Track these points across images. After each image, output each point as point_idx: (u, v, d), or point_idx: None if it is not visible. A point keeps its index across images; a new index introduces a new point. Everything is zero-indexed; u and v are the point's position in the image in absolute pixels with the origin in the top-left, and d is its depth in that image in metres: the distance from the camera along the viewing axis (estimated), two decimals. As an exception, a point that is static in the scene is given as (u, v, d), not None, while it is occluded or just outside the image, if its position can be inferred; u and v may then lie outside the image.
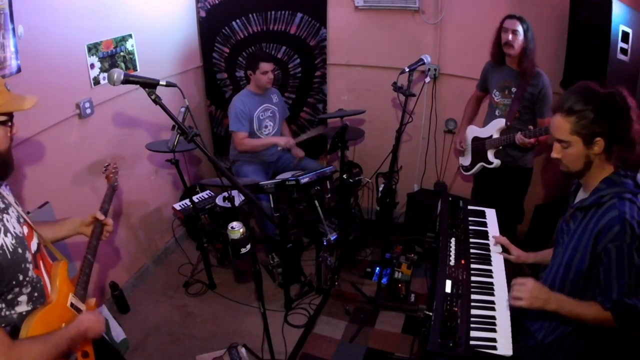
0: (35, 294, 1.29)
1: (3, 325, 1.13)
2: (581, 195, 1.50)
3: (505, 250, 1.94)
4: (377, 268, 3.28)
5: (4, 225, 1.22)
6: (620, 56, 2.46)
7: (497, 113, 2.76)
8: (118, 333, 2.64)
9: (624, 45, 2.45)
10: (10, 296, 1.22)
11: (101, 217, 1.68)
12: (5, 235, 1.20)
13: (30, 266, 1.28)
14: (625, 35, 2.44)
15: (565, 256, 1.44)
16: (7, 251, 1.18)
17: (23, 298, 1.25)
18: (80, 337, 1.33)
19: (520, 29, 2.51)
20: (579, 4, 2.64)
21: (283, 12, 3.59)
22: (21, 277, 1.23)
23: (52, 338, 1.23)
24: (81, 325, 1.34)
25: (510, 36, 2.53)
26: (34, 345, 1.17)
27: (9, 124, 1.24)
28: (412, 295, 3.04)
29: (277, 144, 3.34)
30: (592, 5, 2.52)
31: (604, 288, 1.33)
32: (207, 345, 2.71)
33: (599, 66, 2.46)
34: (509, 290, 1.72)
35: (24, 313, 1.26)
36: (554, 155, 1.43)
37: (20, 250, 1.24)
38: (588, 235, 1.36)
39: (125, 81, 1.52)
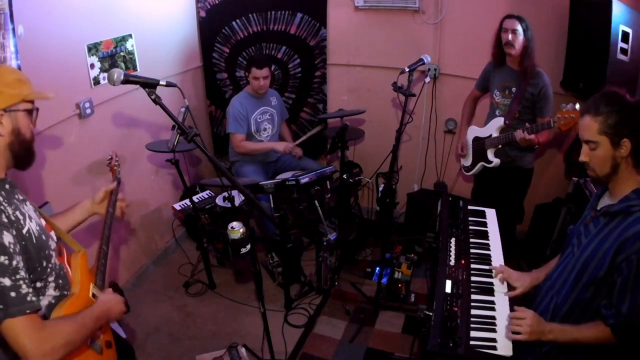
0: (60, 281, 1.32)
1: (37, 310, 1.14)
2: (606, 200, 1.47)
3: (510, 260, 1.83)
4: (377, 268, 3.28)
5: (27, 212, 1.24)
6: (620, 56, 2.46)
7: (497, 113, 2.76)
8: (118, 333, 2.63)
9: (624, 45, 2.45)
10: (39, 284, 1.25)
11: (112, 186, 1.76)
12: (30, 221, 1.22)
13: (54, 253, 1.31)
14: (625, 35, 2.44)
15: (581, 258, 1.43)
16: (33, 235, 1.21)
17: (51, 285, 1.29)
18: (104, 316, 1.37)
19: (519, 28, 2.51)
20: (579, 3, 2.64)
21: (283, 12, 3.59)
22: (45, 263, 1.25)
23: (78, 318, 1.25)
24: (104, 305, 1.38)
25: (510, 36, 2.53)
26: (63, 324, 1.20)
27: (33, 114, 1.28)
28: (412, 295, 3.04)
29: (276, 149, 3.34)
30: (592, 5, 2.52)
31: (616, 300, 1.32)
32: (207, 345, 2.71)
33: (599, 66, 2.46)
34: (509, 291, 1.73)
35: (53, 301, 1.29)
36: (582, 158, 1.43)
37: (43, 237, 1.27)
38: (611, 242, 1.34)
39: (125, 81, 1.51)
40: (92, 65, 2.66)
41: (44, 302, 1.27)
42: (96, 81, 2.69)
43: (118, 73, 1.49)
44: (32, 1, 2.20)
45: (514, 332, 1.44)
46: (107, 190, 1.75)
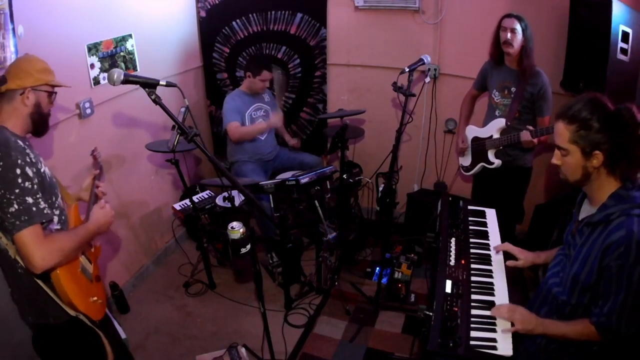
0: (63, 217, 1.66)
1: (42, 221, 1.44)
2: (587, 208, 1.47)
3: (509, 257, 1.85)
4: (377, 268, 3.28)
5: (42, 161, 1.58)
6: (620, 56, 2.46)
7: (497, 113, 2.76)
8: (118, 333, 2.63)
9: (624, 45, 2.45)
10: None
11: (96, 172, 2.05)
12: (45, 166, 1.58)
13: (60, 195, 1.67)
14: (625, 35, 2.44)
15: (572, 270, 1.43)
16: (47, 175, 1.57)
17: (56, 219, 1.59)
18: (96, 230, 1.67)
19: (518, 27, 2.50)
20: (579, 3, 2.64)
21: (283, 12, 3.59)
22: (54, 199, 1.59)
23: (76, 230, 1.61)
24: (97, 221, 1.68)
25: (509, 35, 2.52)
26: (59, 235, 1.54)
27: (52, 96, 1.66)
28: (412, 295, 3.04)
29: (268, 125, 3.29)
30: (592, 5, 2.52)
31: (600, 301, 1.34)
32: (207, 345, 2.71)
33: (599, 66, 2.46)
34: (509, 291, 1.73)
35: (54, 231, 1.58)
36: (554, 161, 1.43)
37: (54, 180, 1.64)
38: (596, 252, 1.34)
39: (125, 81, 1.52)
40: (92, 65, 2.66)
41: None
42: (96, 81, 2.69)
43: (118, 73, 1.49)
44: (32, 1, 2.20)
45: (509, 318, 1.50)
46: (92, 177, 2.01)
